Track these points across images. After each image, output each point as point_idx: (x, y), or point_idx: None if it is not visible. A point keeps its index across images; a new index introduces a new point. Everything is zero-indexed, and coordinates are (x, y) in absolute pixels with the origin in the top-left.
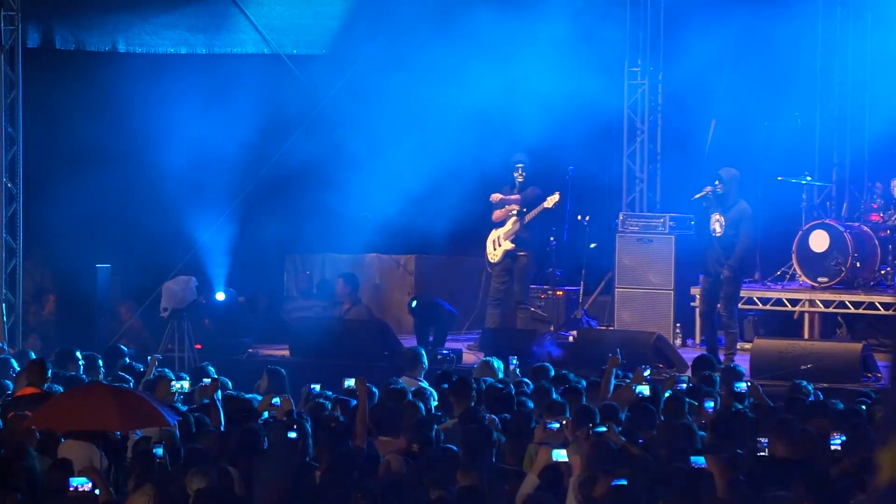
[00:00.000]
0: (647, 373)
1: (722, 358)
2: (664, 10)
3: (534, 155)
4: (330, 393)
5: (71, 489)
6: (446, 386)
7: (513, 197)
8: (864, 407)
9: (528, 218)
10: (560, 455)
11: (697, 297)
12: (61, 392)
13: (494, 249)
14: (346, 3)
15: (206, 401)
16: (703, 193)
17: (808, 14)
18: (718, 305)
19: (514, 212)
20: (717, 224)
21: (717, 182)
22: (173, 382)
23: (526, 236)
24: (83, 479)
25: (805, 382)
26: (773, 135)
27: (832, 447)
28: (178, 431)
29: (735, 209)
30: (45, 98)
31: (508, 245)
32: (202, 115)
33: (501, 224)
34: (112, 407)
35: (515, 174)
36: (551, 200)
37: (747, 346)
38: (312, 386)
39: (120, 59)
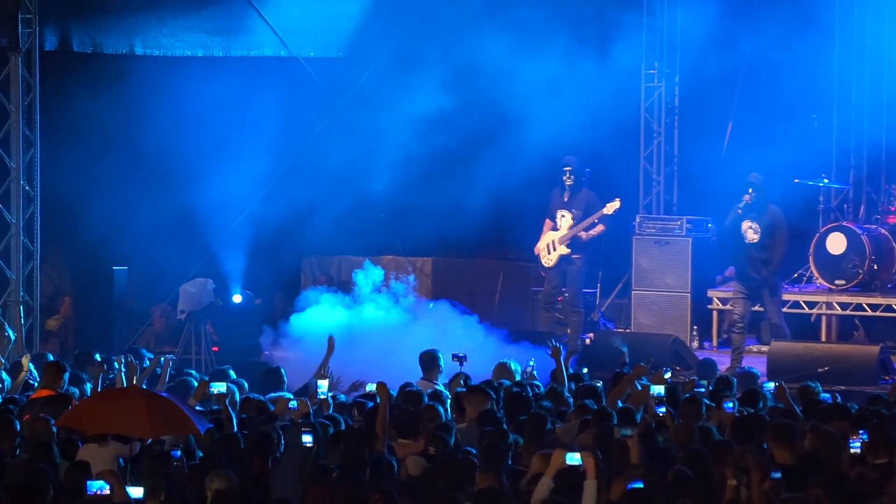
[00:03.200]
0: (667, 375)
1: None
2: (681, 12)
3: (550, 157)
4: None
5: (90, 494)
6: (464, 389)
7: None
8: (883, 410)
9: (586, 224)
10: (574, 458)
11: (716, 300)
12: (97, 392)
13: (549, 254)
14: (363, 5)
15: (217, 406)
16: (743, 203)
17: (825, 15)
18: (766, 311)
19: (568, 216)
20: (749, 231)
21: (750, 189)
22: (212, 385)
23: (581, 240)
24: (102, 484)
25: (811, 383)
26: (790, 137)
27: (852, 450)
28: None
29: (767, 214)
30: (63, 101)
31: (564, 249)
32: (219, 118)
33: (554, 228)
34: (143, 412)
35: (564, 178)
36: (611, 207)
37: (764, 348)
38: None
39: (137, 61)
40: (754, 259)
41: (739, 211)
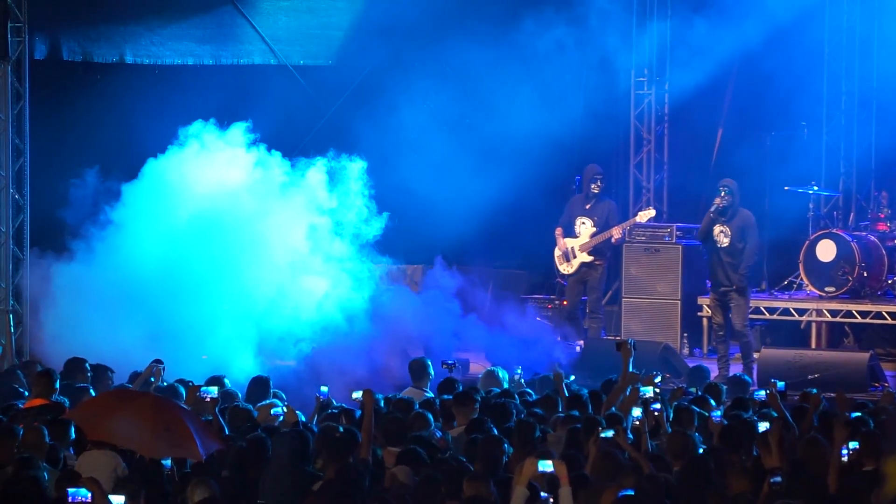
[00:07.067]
0: (658, 379)
1: (741, 368)
2: (671, 20)
3: (540, 164)
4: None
5: (73, 502)
6: (450, 397)
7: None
8: (861, 415)
9: (612, 233)
10: (546, 465)
11: (706, 308)
12: (111, 392)
13: (569, 261)
14: (352, 13)
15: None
16: (714, 206)
17: (814, 23)
18: (731, 315)
19: (589, 224)
20: (721, 235)
21: (723, 193)
22: (201, 390)
23: (603, 247)
24: (84, 491)
25: (815, 391)
26: (780, 144)
27: (842, 457)
28: None
29: (738, 218)
30: (53, 109)
31: (586, 257)
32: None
33: (573, 235)
34: (148, 428)
35: (593, 185)
36: (645, 215)
37: (755, 355)
38: (322, 390)
39: (127, 70)
40: (725, 263)
41: (711, 215)
